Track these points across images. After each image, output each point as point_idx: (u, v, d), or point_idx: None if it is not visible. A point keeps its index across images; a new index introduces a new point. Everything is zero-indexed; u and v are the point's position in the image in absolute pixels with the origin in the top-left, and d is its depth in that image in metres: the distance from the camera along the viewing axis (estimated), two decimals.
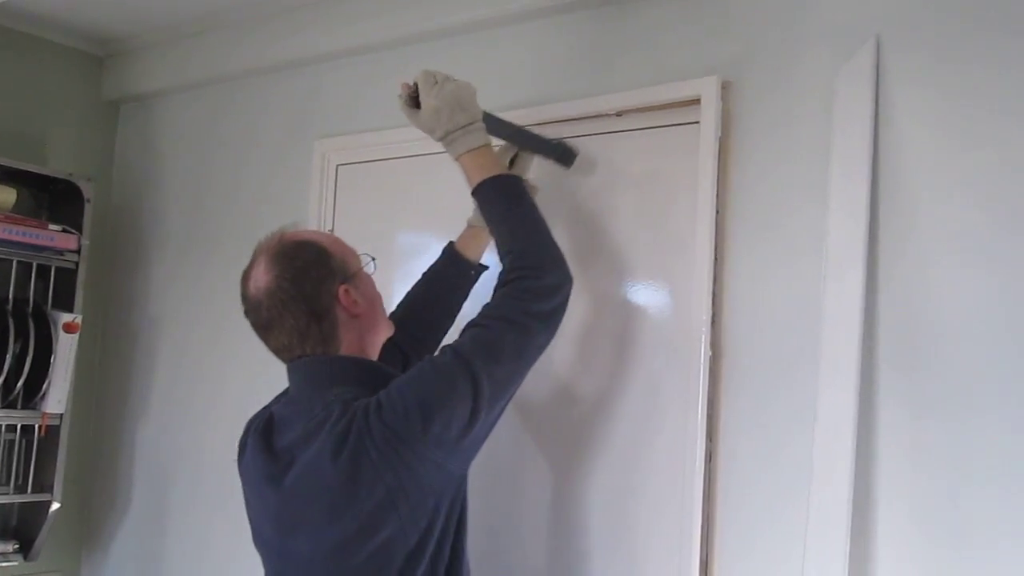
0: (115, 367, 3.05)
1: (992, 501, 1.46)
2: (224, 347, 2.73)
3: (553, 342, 1.86)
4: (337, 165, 2.50)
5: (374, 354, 1.58)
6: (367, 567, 1.39)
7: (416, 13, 2.29)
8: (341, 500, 1.37)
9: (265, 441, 1.51)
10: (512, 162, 1.89)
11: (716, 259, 1.76)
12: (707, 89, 1.78)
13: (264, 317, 1.49)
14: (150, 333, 2.96)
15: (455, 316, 1.90)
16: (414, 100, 1.72)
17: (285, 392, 1.59)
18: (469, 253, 1.88)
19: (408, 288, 1.92)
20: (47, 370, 2.57)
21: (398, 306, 1.88)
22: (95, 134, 3.11)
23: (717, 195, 1.77)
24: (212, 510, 2.70)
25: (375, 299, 1.59)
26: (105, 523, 3.02)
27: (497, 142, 1.86)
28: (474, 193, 1.66)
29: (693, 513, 1.72)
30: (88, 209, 2.73)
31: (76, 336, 2.63)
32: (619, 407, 1.89)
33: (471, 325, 1.51)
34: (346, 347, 1.50)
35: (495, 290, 1.58)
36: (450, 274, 1.89)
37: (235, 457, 2.55)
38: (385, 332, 1.61)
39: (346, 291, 1.50)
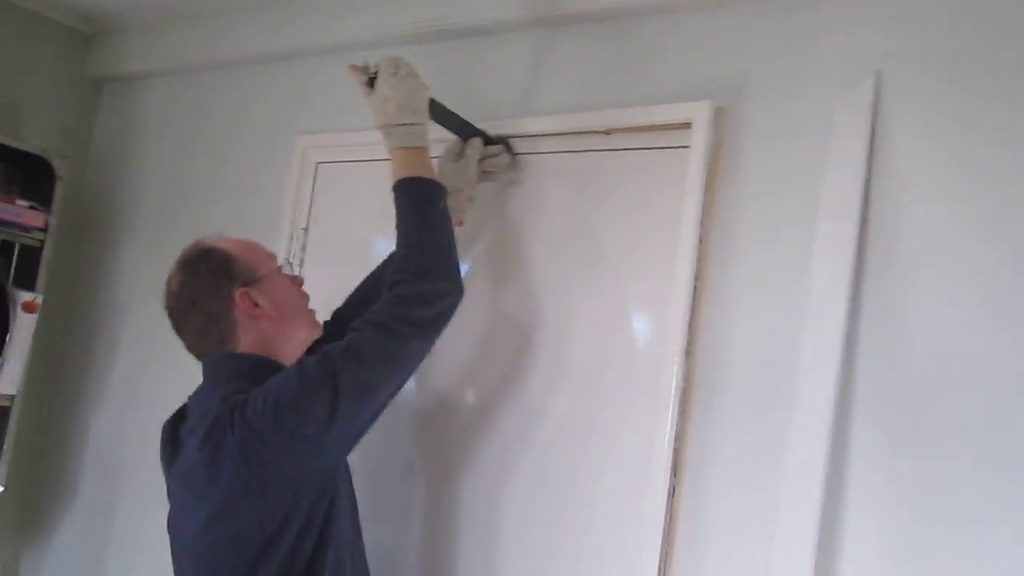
0: (75, 352, 2.97)
1: (962, 541, 1.41)
2: None
3: (519, 361, 1.82)
4: (317, 163, 2.43)
5: (287, 352, 1.63)
6: (228, 549, 1.49)
7: (408, 15, 2.24)
8: (204, 484, 1.48)
9: (173, 429, 1.63)
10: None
11: (695, 288, 1.71)
12: (699, 114, 1.73)
13: (175, 318, 1.65)
14: (114, 320, 2.88)
15: None
16: (372, 81, 1.75)
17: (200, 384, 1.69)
18: None
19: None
20: (1, 348, 2.49)
21: (353, 291, 1.96)
22: (75, 112, 3.04)
23: (701, 223, 1.71)
24: (164, 506, 2.61)
25: (287, 302, 1.67)
26: (50, 511, 2.92)
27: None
28: (393, 189, 1.71)
29: (651, 548, 1.66)
30: (59, 187, 2.65)
31: (35, 316, 2.56)
32: (583, 433, 1.83)
33: (350, 328, 1.57)
34: (245, 346, 1.60)
35: (385, 290, 1.63)
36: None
37: None
38: (305, 331, 1.69)
39: (244, 295, 1.59)
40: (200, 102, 2.81)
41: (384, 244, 2.26)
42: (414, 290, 1.59)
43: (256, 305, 1.60)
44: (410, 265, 1.63)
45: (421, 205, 1.69)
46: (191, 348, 1.65)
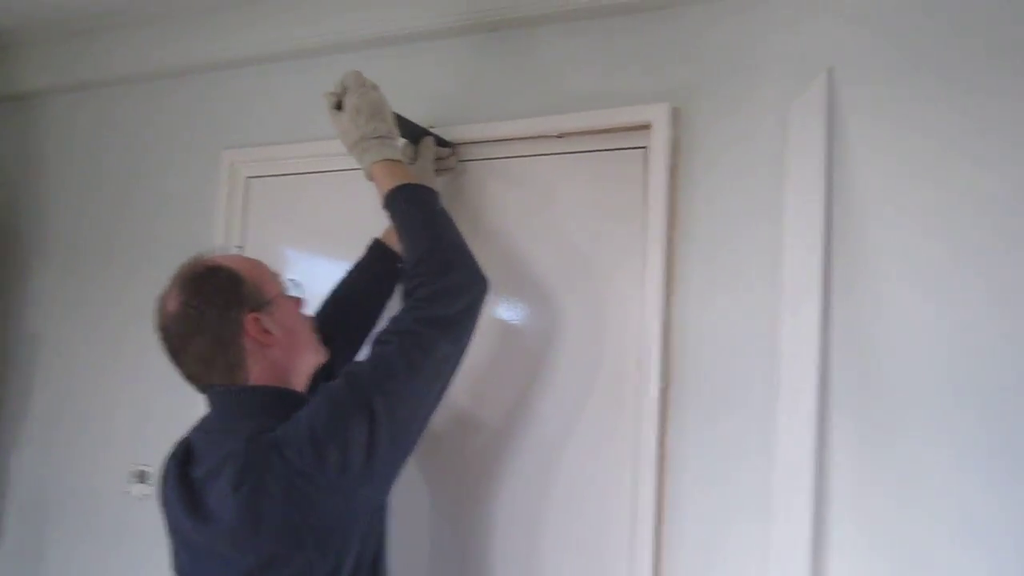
0: None
1: (934, 521, 1.49)
2: (113, 367, 2.53)
3: (492, 370, 1.79)
4: (247, 177, 2.35)
5: (298, 381, 1.52)
6: None
7: (340, 22, 2.18)
8: (244, 536, 1.33)
9: (182, 471, 1.46)
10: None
11: (667, 288, 1.73)
12: (658, 115, 1.75)
13: (173, 344, 1.46)
14: (28, 352, 2.71)
15: (383, 312, 1.87)
16: (339, 103, 1.73)
17: (204, 418, 1.53)
18: (394, 244, 1.84)
19: (329, 293, 1.88)
20: None
21: (323, 303, 1.85)
22: None
23: (667, 222, 1.74)
24: (97, 547, 2.50)
25: (296, 327, 1.54)
26: None
27: None
28: (385, 201, 1.65)
29: (643, 548, 1.68)
30: None
31: None
32: (564, 441, 1.83)
33: (372, 342, 1.48)
34: (256, 377, 1.46)
35: (403, 299, 1.55)
36: (378, 269, 1.87)
37: (128, 490, 2.40)
38: (313, 357, 1.56)
39: (255, 320, 1.45)
40: (108, 118, 2.67)
41: (322, 255, 2.22)
42: (435, 288, 1.51)
43: (266, 332, 1.46)
44: (426, 266, 1.54)
45: (422, 208, 1.62)
46: (191, 378, 1.48)
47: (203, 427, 1.50)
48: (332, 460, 1.32)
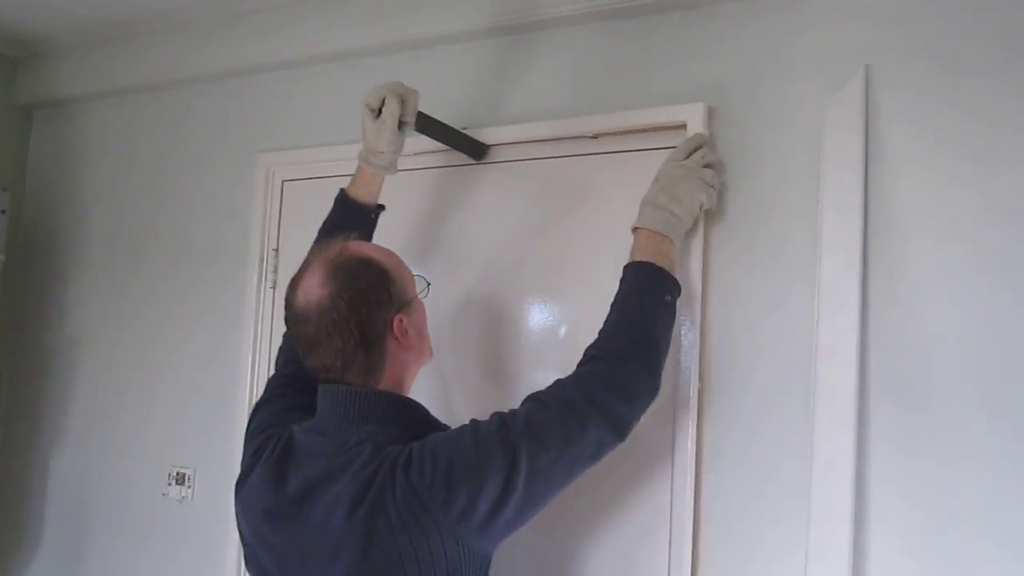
0: (26, 392, 2.82)
1: (976, 536, 1.47)
2: (150, 370, 2.56)
3: (534, 370, 1.77)
4: (283, 181, 2.37)
5: (409, 385, 1.47)
6: None
7: (372, 26, 2.19)
8: (350, 552, 1.26)
9: (278, 472, 1.38)
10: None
11: (703, 289, 1.72)
12: (693, 115, 1.74)
13: (310, 333, 1.37)
14: (67, 355, 2.75)
15: None
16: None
17: (317, 418, 1.43)
18: (365, 198, 1.81)
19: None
20: None
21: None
22: (7, 140, 2.89)
23: (703, 223, 1.73)
24: (135, 548, 2.53)
25: (424, 331, 1.49)
26: (13, 560, 2.78)
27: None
28: (634, 267, 1.55)
29: (683, 550, 1.68)
30: (3, 221, 2.52)
31: None
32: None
33: (531, 398, 1.38)
34: (386, 380, 1.40)
35: (578, 365, 1.44)
36: (351, 222, 1.79)
37: (166, 492, 2.41)
38: (426, 362, 1.51)
39: (400, 321, 1.40)
40: (143, 123, 2.70)
41: None
42: (613, 374, 1.39)
43: (406, 334, 1.40)
44: (614, 342, 1.44)
45: (649, 292, 1.51)
46: (323, 370, 1.39)
47: (315, 428, 1.41)
48: (458, 504, 1.24)
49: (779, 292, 1.68)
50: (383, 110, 1.69)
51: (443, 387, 1.98)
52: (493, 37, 2.06)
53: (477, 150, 1.98)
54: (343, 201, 1.82)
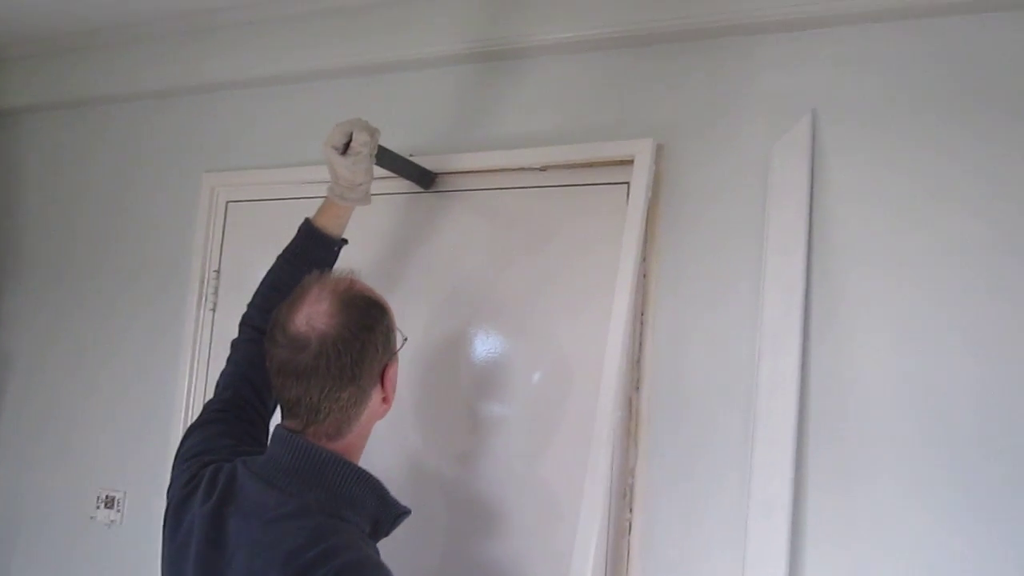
0: None
1: (904, 565, 1.49)
2: (82, 388, 2.50)
3: (458, 408, 1.75)
4: (227, 201, 2.34)
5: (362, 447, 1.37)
6: None
7: (325, 50, 2.18)
8: None
9: (217, 511, 1.27)
10: None
11: (641, 323, 1.73)
12: (642, 150, 1.75)
13: (303, 362, 1.25)
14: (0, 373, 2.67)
15: None
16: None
17: (267, 462, 1.31)
18: (333, 230, 1.75)
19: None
20: None
21: (256, 294, 1.67)
22: None
23: (644, 257, 1.74)
24: (59, 575, 2.44)
25: (394, 389, 1.37)
26: None
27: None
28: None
29: None
30: None
31: None
32: (533, 473, 1.81)
33: None
34: (347, 443, 1.30)
35: None
36: (313, 252, 1.71)
37: (94, 515, 2.33)
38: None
39: (389, 370, 1.32)
40: (89, 138, 2.65)
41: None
42: None
43: (389, 385, 1.33)
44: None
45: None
46: (295, 405, 1.28)
47: (261, 472, 1.29)
48: None
49: (721, 331, 1.68)
50: (352, 144, 1.68)
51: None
52: (446, 65, 2.06)
53: (425, 179, 1.98)
54: (308, 232, 1.74)
